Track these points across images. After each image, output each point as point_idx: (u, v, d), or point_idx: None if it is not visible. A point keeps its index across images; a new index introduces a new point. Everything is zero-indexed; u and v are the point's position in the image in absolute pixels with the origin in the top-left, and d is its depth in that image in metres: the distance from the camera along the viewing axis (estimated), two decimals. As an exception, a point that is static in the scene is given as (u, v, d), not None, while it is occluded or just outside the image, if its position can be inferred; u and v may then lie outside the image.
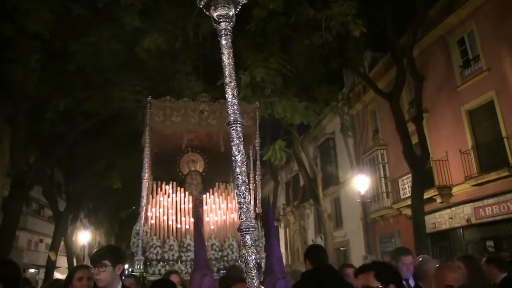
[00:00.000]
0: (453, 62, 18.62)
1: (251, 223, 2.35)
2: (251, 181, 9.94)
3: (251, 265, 2.28)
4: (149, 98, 9.89)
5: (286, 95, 16.68)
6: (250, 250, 2.31)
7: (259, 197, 9.88)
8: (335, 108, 21.63)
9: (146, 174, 9.45)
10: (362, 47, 18.06)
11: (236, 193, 2.46)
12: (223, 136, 10.06)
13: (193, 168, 11.36)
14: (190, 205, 10.06)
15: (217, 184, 10.75)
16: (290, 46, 17.10)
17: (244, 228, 2.36)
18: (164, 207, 9.74)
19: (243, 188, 2.42)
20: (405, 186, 20.19)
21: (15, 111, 17.18)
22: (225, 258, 9.16)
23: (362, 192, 18.43)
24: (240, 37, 14.92)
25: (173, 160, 11.51)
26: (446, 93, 18.79)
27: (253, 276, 2.29)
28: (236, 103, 2.49)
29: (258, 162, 10.01)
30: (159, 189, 10.16)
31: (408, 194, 18.01)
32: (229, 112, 2.48)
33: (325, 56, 17.75)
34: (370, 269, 2.97)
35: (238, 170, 2.44)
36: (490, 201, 16.27)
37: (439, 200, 18.43)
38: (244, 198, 2.42)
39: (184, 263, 8.83)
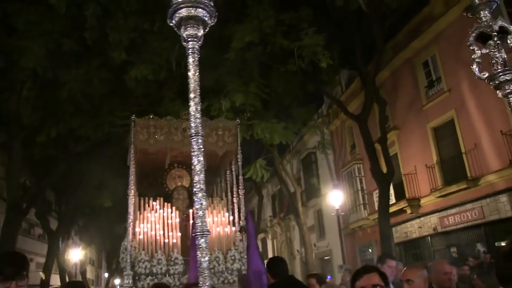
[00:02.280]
0: (419, 83, 20.05)
1: (206, 228, 2.43)
2: (234, 195, 10.34)
3: (204, 265, 2.36)
4: (133, 117, 10.16)
5: (265, 117, 17.79)
6: (204, 252, 2.38)
7: (243, 210, 10.10)
8: (313, 128, 22.88)
9: (132, 191, 9.72)
10: (334, 72, 19.37)
11: (194, 199, 2.52)
12: (206, 153, 10.66)
13: (179, 184, 11.69)
14: (177, 220, 10.28)
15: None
16: (268, 72, 18.33)
17: (199, 232, 2.41)
18: (152, 223, 9.92)
19: (200, 195, 2.50)
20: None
21: (9, 139, 18.07)
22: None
23: (337, 206, 19.70)
24: (221, 63, 16.17)
25: (160, 176, 11.93)
26: (414, 112, 20.19)
27: (205, 276, 2.36)
28: (198, 117, 2.55)
29: (240, 177, 10.25)
30: (146, 205, 10.36)
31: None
32: (192, 124, 2.53)
33: (301, 80, 18.96)
34: (374, 270, 3.07)
35: (196, 178, 2.52)
36: (453, 211, 17.69)
37: (409, 211, 19.81)
38: (201, 204, 2.50)
39: (172, 276, 9.08)
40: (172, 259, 9.21)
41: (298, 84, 19.05)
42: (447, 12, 18.05)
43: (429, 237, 19.38)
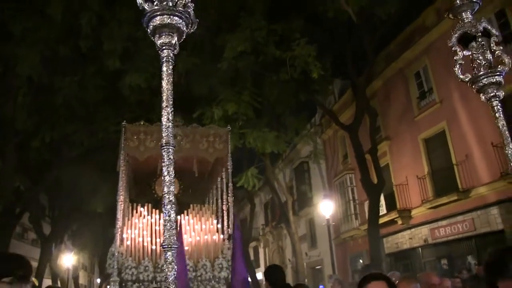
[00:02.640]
0: (411, 93, 20.20)
1: (174, 241, 2.38)
2: (224, 203, 10.22)
3: (170, 279, 2.30)
4: (123, 123, 10.04)
5: (258, 126, 17.85)
6: (170, 267, 2.33)
7: (231, 218, 10.01)
8: (305, 137, 22.96)
9: (122, 196, 9.57)
10: (326, 82, 19.47)
11: (163, 211, 2.47)
12: (196, 160, 10.38)
13: None
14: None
15: (191, 205, 10.87)
16: (261, 80, 18.42)
17: (166, 245, 2.36)
18: (140, 229, 9.84)
19: (169, 207, 2.45)
20: (371, 208, 21.61)
21: (4, 144, 18.17)
22: (199, 278, 9.40)
23: (327, 216, 19.75)
24: (214, 72, 16.26)
25: (148, 183, 11.77)
26: (406, 122, 20.32)
27: None
28: (170, 126, 2.48)
29: (230, 184, 10.15)
30: (134, 211, 10.30)
31: (375, 215, 19.45)
32: (163, 134, 2.47)
33: (293, 89, 19.05)
34: (383, 279, 2.95)
35: (166, 189, 2.48)
36: (444, 222, 17.76)
37: (400, 222, 19.89)
38: (169, 216, 2.44)
39: (159, 283, 8.93)
40: (159, 266, 9.12)
41: (290, 93, 19.09)
42: (438, 23, 18.19)
43: (419, 249, 19.46)
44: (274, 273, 5.56)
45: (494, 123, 9.72)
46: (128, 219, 9.98)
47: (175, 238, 2.43)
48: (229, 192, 10.10)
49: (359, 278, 6.47)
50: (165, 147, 2.51)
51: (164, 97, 2.67)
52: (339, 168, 26.50)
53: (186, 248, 9.47)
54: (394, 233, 20.78)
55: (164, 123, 2.52)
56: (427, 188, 18.69)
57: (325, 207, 19.95)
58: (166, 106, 2.60)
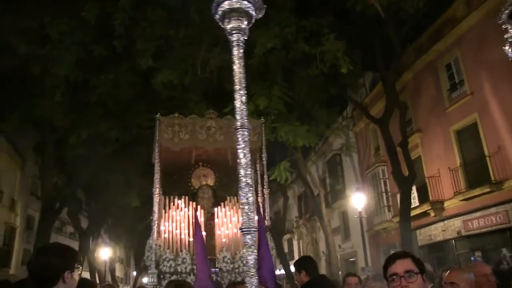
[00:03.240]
0: (442, 85, 20.09)
1: (253, 224, 2.37)
2: (259, 195, 10.10)
3: (251, 263, 2.32)
4: (158, 115, 10.00)
5: (289, 120, 18.04)
6: (250, 250, 2.34)
7: (267, 210, 9.82)
8: (336, 130, 23.06)
9: (157, 189, 9.57)
10: (356, 76, 19.55)
11: (240, 194, 2.45)
12: (231, 151, 10.15)
13: (204, 183, 11.37)
14: (202, 219, 9.92)
15: (228, 197, 10.71)
16: (291, 75, 18.61)
17: (245, 228, 2.36)
18: (177, 221, 9.80)
19: (246, 189, 2.40)
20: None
21: (43, 142, 18.82)
22: (236, 270, 9.32)
23: (360, 209, 19.86)
24: (245, 67, 16.51)
25: (184, 175, 11.64)
26: (437, 114, 20.25)
27: (252, 274, 2.38)
28: (244, 109, 2.53)
29: (265, 176, 10.06)
30: (171, 203, 10.20)
31: (408, 207, 19.50)
32: (237, 117, 2.50)
33: (323, 84, 19.18)
34: (407, 256, 2.90)
35: (242, 172, 2.44)
36: (477, 214, 17.68)
37: (432, 214, 19.86)
38: (247, 199, 2.41)
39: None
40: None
41: (320, 87, 19.22)
42: (469, 15, 18.11)
43: (453, 241, 19.40)
44: (309, 262, 5.58)
45: None
46: (165, 212, 9.94)
47: (254, 221, 2.42)
48: (264, 184, 10.05)
49: None
50: (240, 129, 2.59)
51: (237, 81, 2.89)
52: (371, 161, 26.51)
53: (223, 240, 9.66)
54: (427, 225, 20.77)
55: (237, 106, 2.70)
56: (459, 180, 18.62)
57: (357, 200, 20.07)
58: (239, 89, 2.80)
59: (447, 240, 19.66)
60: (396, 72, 18.07)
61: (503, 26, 2.78)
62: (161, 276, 8.98)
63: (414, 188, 20.20)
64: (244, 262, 8.06)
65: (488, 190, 16.76)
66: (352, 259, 29.40)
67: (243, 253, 8.84)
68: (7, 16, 13.91)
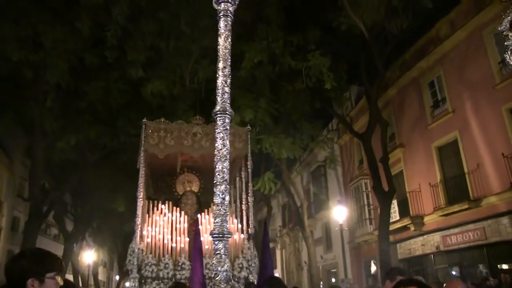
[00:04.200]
0: (425, 102, 20.58)
1: (227, 229, 2.10)
2: (243, 202, 10.14)
3: (222, 277, 2.03)
4: (144, 120, 10.05)
5: (274, 132, 18.37)
6: (222, 261, 2.03)
7: (251, 218, 9.92)
8: (321, 143, 23.45)
9: (141, 193, 9.52)
10: (342, 90, 19.98)
11: (214, 192, 2.17)
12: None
13: (188, 188, 11.45)
14: (186, 225, 10.00)
15: (212, 204, 9.66)
16: (277, 88, 18.96)
17: (217, 234, 2.07)
18: (160, 226, 9.73)
19: (222, 187, 2.15)
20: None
21: (33, 146, 19.05)
22: None
23: (340, 222, 20.23)
24: (232, 79, 16.82)
25: (169, 180, 11.73)
26: (419, 130, 20.72)
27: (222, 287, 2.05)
28: (227, 91, 2.20)
29: (250, 184, 10.06)
30: (155, 208, 10.19)
31: (390, 221, 19.85)
32: (218, 99, 2.18)
33: (309, 97, 19.54)
34: (412, 284, 2.74)
35: (219, 166, 2.16)
36: (455, 230, 18.09)
37: (412, 228, 20.25)
38: (223, 198, 2.17)
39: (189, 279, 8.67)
40: (180, 264, 9.09)
41: (306, 100, 19.59)
42: (452, 35, 18.60)
43: (432, 255, 19.80)
44: (277, 286, 5.52)
45: (505, 133, 10.14)
46: (149, 216, 10.02)
47: (227, 226, 2.15)
48: (249, 192, 10.07)
49: (372, 283, 6.80)
50: (219, 114, 2.35)
51: (221, 56, 2.49)
52: (355, 173, 26.93)
53: (206, 247, 9.55)
54: (407, 239, 21.20)
55: (219, 86, 2.37)
56: (439, 195, 19.04)
57: (338, 213, 20.44)
58: (224, 67, 2.42)
59: (426, 254, 20.06)
60: (379, 90, 18.48)
61: (504, 33, 2.63)
62: (143, 281, 8.99)
63: (395, 202, 20.75)
64: (236, 274, 8.80)
65: (466, 206, 17.17)
66: (333, 270, 29.77)
67: (212, 263, 9.32)
68: (3, 25, 14.19)
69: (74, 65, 16.17)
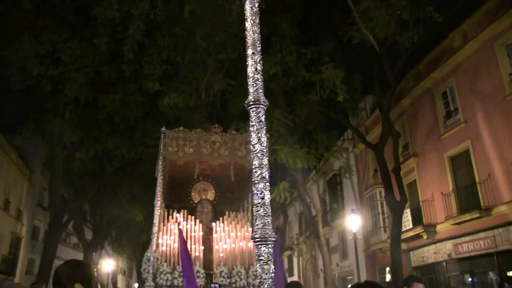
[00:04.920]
0: (438, 112, 20.75)
1: (270, 231, 1.94)
2: None
3: (266, 286, 1.85)
4: (163, 129, 10.19)
5: (289, 142, 18.73)
6: (266, 267, 1.85)
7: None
8: (335, 153, 23.77)
9: (159, 202, 9.67)
10: (356, 101, 20.33)
11: (253, 191, 2.04)
12: (234, 166, 10.37)
13: (204, 197, 11.68)
14: (200, 233, 10.10)
15: (227, 212, 10.82)
16: (292, 99, 19.37)
17: (259, 238, 1.91)
18: (175, 235, 9.80)
19: (261, 185, 1.99)
20: (399, 222, 22.25)
21: (52, 157, 19.66)
22: (233, 285, 9.50)
23: (354, 230, 20.49)
24: (244, 92, 17.26)
25: (184, 189, 11.91)
26: (433, 140, 20.90)
27: None
28: (259, 79, 2.15)
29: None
30: (170, 216, 10.35)
31: (403, 229, 20.10)
32: (250, 89, 2.12)
33: (323, 109, 19.90)
34: None
35: (256, 162, 2.03)
36: (467, 238, 18.24)
37: (425, 236, 20.42)
38: (262, 198, 1.99)
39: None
40: (194, 272, 8.74)
41: (320, 111, 19.93)
42: (465, 45, 18.80)
43: (444, 263, 19.95)
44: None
45: None
46: (164, 225, 10.15)
47: (272, 229, 2.01)
48: None
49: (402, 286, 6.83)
50: (253, 105, 2.15)
51: (250, 42, 2.37)
52: (369, 182, 27.13)
53: (221, 254, 9.84)
54: (420, 247, 21.38)
55: (250, 74, 2.24)
56: (451, 204, 19.20)
57: (352, 222, 20.71)
58: (253, 53, 2.29)
59: (438, 262, 20.21)
60: (390, 103, 18.73)
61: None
62: None
63: (408, 211, 20.99)
64: (251, 281, 9.07)
65: (477, 215, 17.33)
66: (349, 277, 29.93)
67: (240, 268, 9.42)
68: (25, 43, 14.80)
69: (92, 78, 16.74)
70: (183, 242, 7.39)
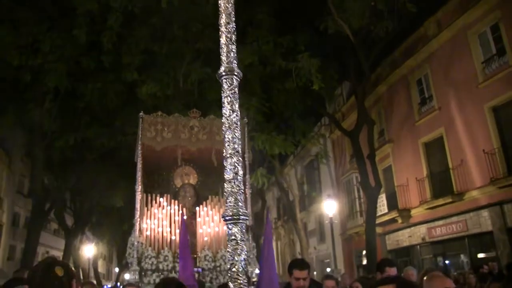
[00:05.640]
0: (413, 99, 21.21)
1: (242, 210, 1.85)
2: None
3: (239, 268, 1.77)
4: (141, 114, 10.03)
5: (266, 129, 18.95)
6: (239, 247, 1.76)
7: (249, 210, 9.74)
8: (312, 139, 24.08)
9: (140, 187, 9.53)
10: (332, 88, 20.59)
11: (225, 166, 1.96)
12: (215, 151, 10.19)
13: (186, 181, 11.47)
14: (184, 217, 9.70)
15: (210, 196, 10.72)
16: (269, 87, 19.52)
17: (230, 216, 1.81)
18: (159, 219, 9.77)
19: (234, 159, 1.92)
20: (375, 206, 22.74)
21: (33, 145, 19.70)
22: (218, 269, 9.46)
23: (330, 215, 20.91)
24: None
25: (167, 174, 11.79)
26: (408, 126, 21.38)
27: (241, 284, 1.83)
28: (233, 50, 2.07)
29: (248, 176, 9.99)
30: (153, 201, 10.18)
31: (379, 214, 20.59)
32: (223, 59, 2.04)
33: (300, 96, 20.11)
34: (391, 282, 2.50)
35: (229, 135, 1.96)
36: (440, 222, 18.85)
37: (400, 220, 21.02)
38: (235, 173, 1.90)
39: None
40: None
41: (297, 99, 20.13)
42: (439, 34, 19.16)
43: (418, 246, 20.60)
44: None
45: (487, 131, 10.99)
46: (148, 210, 10.03)
47: (243, 206, 1.92)
48: (247, 183, 9.91)
49: (363, 273, 6.96)
50: (224, 76, 2.09)
51: (223, 10, 2.27)
52: (346, 167, 27.58)
53: (205, 238, 9.80)
54: (395, 231, 21.97)
55: (223, 45, 2.14)
56: (425, 189, 19.75)
57: (328, 207, 21.13)
58: (227, 23, 2.18)
59: (413, 245, 20.84)
60: (365, 92, 19.05)
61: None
62: (143, 273, 9.13)
63: (384, 196, 21.45)
64: (226, 262, 8.82)
65: (450, 200, 17.91)
66: (327, 260, 30.52)
67: (224, 252, 9.27)
68: (4, 34, 14.80)
69: (71, 68, 16.75)
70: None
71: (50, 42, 15.35)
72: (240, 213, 1.82)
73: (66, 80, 16.65)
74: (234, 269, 1.78)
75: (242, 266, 1.78)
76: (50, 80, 16.11)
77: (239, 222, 1.81)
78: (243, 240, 1.82)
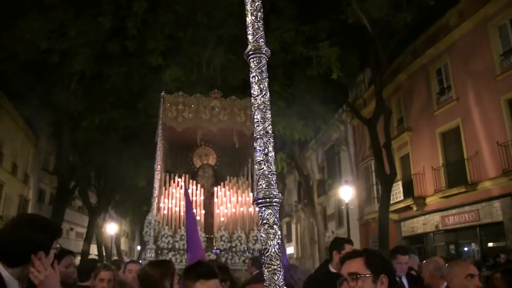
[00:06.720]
0: (432, 89, 21.39)
1: (275, 192, 1.78)
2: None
3: (272, 253, 1.71)
4: (162, 93, 10.23)
5: (287, 115, 19.35)
6: (272, 232, 1.71)
7: None
8: (332, 125, 24.45)
9: (159, 166, 9.73)
10: (353, 76, 20.88)
11: (255, 148, 1.88)
12: (235, 132, 10.47)
13: (205, 162, 11.76)
14: (202, 197, 10.13)
15: (228, 177, 10.79)
16: (290, 73, 19.89)
17: (262, 199, 1.76)
18: (176, 199, 9.86)
19: (265, 139, 1.85)
20: (392, 193, 23.00)
21: (59, 126, 20.41)
22: (234, 249, 9.56)
23: (346, 201, 21.34)
24: (247, 67, 17.84)
25: (187, 154, 12.04)
26: (426, 116, 21.59)
27: (275, 269, 1.73)
28: (260, 27, 2.02)
29: None
30: (172, 181, 10.33)
31: (395, 201, 21.02)
32: (249, 38, 2.01)
33: (321, 82, 20.43)
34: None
35: (259, 116, 1.89)
36: (453, 211, 19.17)
37: (415, 208, 21.34)
38: (266, 154, 1.83)
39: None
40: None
41: (318, 86, 20.46)
42: (460, 24, 19.28)
43: (431, 234, 20.96)
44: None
45: (502, 123, 11.51)
46: (166, 189, 10.19)
47: (276, 189, 1.87)
48: None
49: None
50: (252, 54, 2.05)
51: None
52: (365, 153, 27.84)
53: (222, 219, 9.97)
54: (410, 218, 22.32)
55: (249, 24, 2.11)
56: (440, 178, 20.02)
57: (345, 192, 21.55)
58: (253, 1, 2.13)
59: (427, 232, 21.19)
60: (382, 82, 19.26)
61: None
62: (159, 252, 9.30)
63: (400, 183, 21.79)
64: (251, 246, 9.58)
65: (464, 190, 18.20)
66: (345, 245, 30.98)
67: (241, 232, 9.65)
68: (34, 20, 15.42)
69: (97, 52, 17.32)
70: (189, 204, 6.95)
71: (77, 28, 15.92)
72: (273, 196, 1.77)
73: (92, 64, 17.22)
74: (267, 254, 1.72)
75: (276, 250, 1.72)
76: (76, 63, 16.68)
77: (271, 205, 1.76)
78: (276, 224, 1.77)
